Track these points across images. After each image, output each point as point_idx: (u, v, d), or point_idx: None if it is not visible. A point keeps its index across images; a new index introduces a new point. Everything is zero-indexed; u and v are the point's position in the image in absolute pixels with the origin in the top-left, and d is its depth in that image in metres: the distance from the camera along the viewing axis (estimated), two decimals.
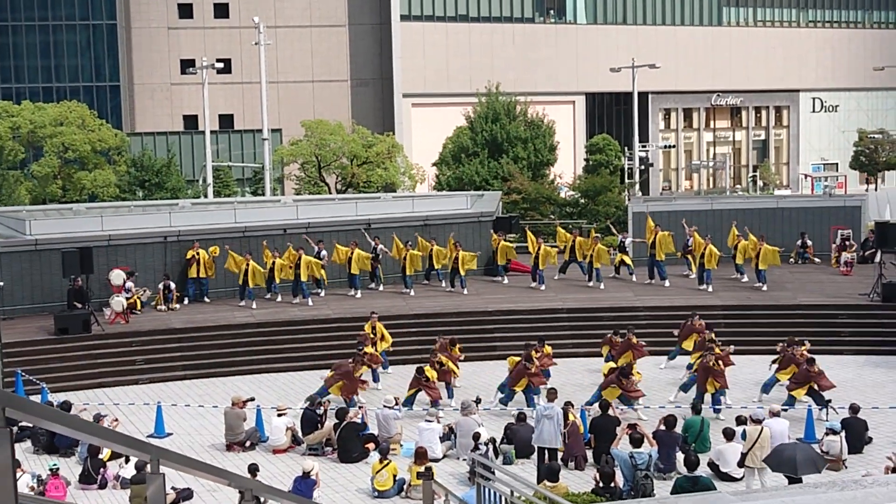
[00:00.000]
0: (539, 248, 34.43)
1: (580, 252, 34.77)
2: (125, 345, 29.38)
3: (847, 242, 37.43)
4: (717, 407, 23.57)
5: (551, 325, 30.68)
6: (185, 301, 33.01)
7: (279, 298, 33.01)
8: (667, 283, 34.13)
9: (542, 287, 34.25)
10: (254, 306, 32.16)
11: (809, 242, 37.99)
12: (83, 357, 28.71)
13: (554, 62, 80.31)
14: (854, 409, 21.35)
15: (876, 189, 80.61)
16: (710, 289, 33.12)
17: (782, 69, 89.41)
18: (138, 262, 32.92)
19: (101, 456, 20.35)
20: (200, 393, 26.96)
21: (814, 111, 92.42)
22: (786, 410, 22.24)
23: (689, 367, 25.47)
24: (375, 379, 26.73)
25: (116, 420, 23.31)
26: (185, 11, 73.12)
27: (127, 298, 30.72)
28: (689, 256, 35.48)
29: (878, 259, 33.48)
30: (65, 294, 30.32)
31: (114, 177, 54.34)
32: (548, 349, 25.92)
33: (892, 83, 74.29)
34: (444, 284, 34.86)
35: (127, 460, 20.11)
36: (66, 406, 22.58)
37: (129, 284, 31.27)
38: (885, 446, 20.74)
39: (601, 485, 17.18)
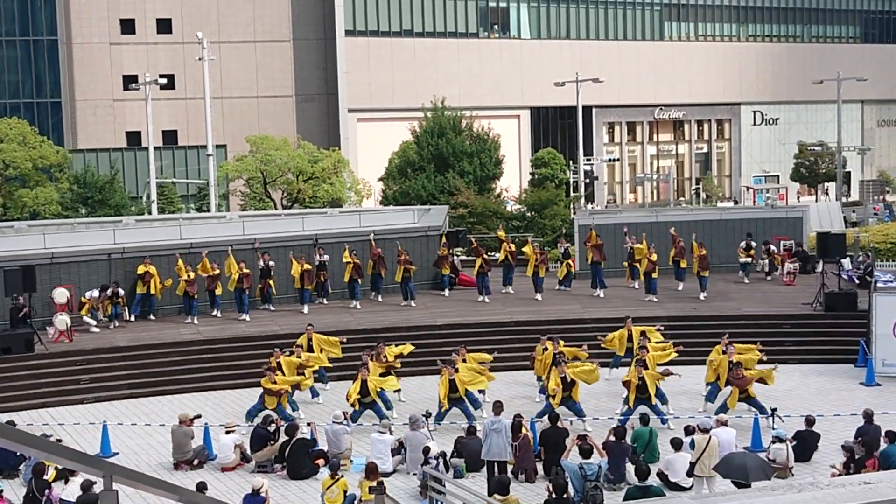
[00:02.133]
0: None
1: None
2: (69, 364, 28.95)
3: (770, 247, 38.20)
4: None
5: (499, 338, 30.72)
6: (132, 318, 32.68)
7: (217, 314, 32.92)
8: (601, 294, 34.82)
9: (487, 299, 34.55)
10: (195, 322, 32.06)
11: (774, 248, 37.96)
12: (26, 377, 28.27)
13: (498, 77, 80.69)
14: (809, 421, 21.51)
15: (816, 200, 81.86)
16: (655, 299, 33.54)
17: (723, 83, 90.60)
18: (82, 279, 32.51)
19: (45, 477, 20.01)
20: (146, 411, 26.64)
21: (755, 124, 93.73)
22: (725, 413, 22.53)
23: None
24: (314, 394, 26.57)
25: (60, 440, 22.96)
26: (128, 27, 72.52)
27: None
28: (633, 265, 35.91)
29: (819, 269, 34.00)
30: (7, 313, 29.84)
31: (56, 194, 53.70)
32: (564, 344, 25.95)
33: (830, 96, 75.42)
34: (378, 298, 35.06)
35: (66, 481, 19.80)
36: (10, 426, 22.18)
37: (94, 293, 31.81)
38: (830, 454, 21.00)
39: (554, 496, 17.20)
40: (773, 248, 37.85)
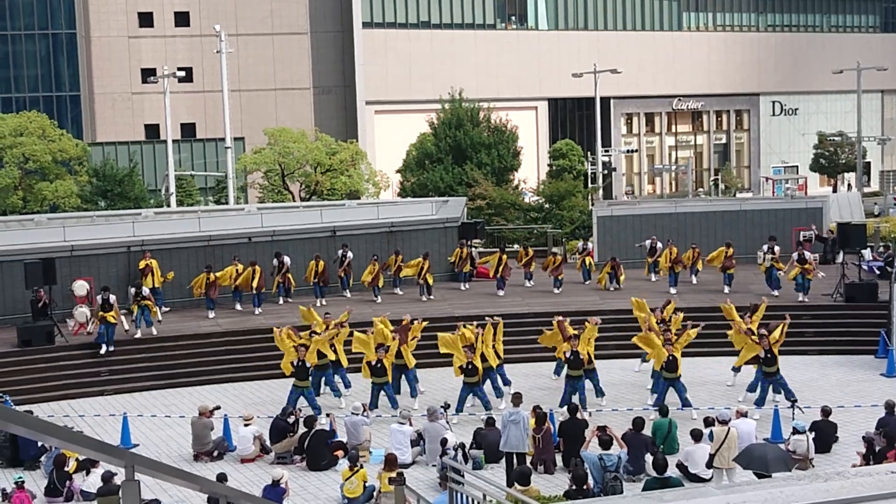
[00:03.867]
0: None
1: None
2: (89, 356, 29.08)
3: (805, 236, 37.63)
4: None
5: (518, 329, 30.67)
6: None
7: (239, 307, 33.08)
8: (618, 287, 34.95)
9: (501, 293, 34.62)
10: (211, 315, 32.18)
11: (809, 255, 32.65)
12: (47, 369, 28.43)
13: (516, 68, 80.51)
14: (825, 411, 21.47)
15: (835, 191, 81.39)
16: (674, 290, 33.53)
17: (742, 73, 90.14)
18: (101, 272, 32.62)
19: (66, 468, 20.13)
20: (166, 403, 26.75)
21: (774, 114, 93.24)
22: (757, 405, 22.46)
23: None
24: (346, 385, 26.60)
25: (81, 432, 23.06)
26: (146, 20, 72.67)
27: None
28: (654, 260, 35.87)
29: (840, 260, 33.84)
30: (28, 306, 29.98)
31: (75, 187, 53.89)
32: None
33: (849, 86, 75.01)
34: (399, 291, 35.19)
35: (88, 472, 19.90)
36: None
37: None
38: (851, 444, 20.92)
39: (574, 487, 17.18)
40: (807, 255, 32.42)
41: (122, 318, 29.52)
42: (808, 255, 32.32)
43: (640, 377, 26.95)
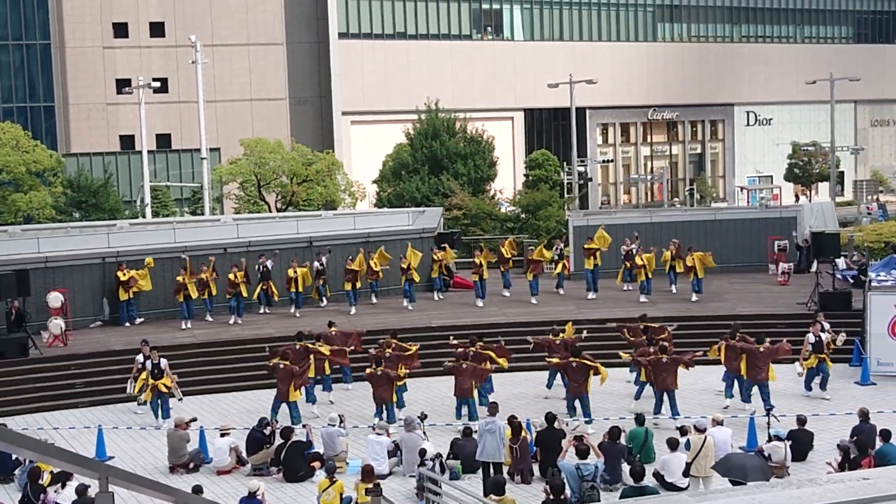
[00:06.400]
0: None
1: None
2: (64, 368, 28.90)
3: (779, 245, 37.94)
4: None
5: (495, 339, 30.63)
6: (127, 324, 32.64)
7: (209, 318, 33.00)
8: (594, 296, 34.95)
9: (481, 303, 34.58)
10: (187, 326, 32.03)
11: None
12: (21, 381, 28.20)
13: (492, 79, 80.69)
14: (801, 420, 21.56)
15: (810, 200, 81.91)
16: (644, 298, 33.78)
17: (717, 83, 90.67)
18: (76, 283, 32.46)
19: (40, 481, 19.97)
20: (142, 415, 26.58)
21: (748, 125, 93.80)
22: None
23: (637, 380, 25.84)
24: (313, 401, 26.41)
25: (54, 444, 22.87)
26: (121, 31, 72.39)
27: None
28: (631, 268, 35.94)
29: (814, 268, 34.05)
30: (1, 318, 29.77)
31: (49, 198, 53.60)
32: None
33: (824, 96, 75.51)
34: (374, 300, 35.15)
35: (63, 485, 19.75)
36: None
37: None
38: (826, 453, 21.01)
39: (551, 497, 17.18)
40: (824, 336, 26.33)
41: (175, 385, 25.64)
42: (825, 335, 26.24)
43: (623, 386, 27.00)
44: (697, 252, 34.50)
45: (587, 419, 23.60)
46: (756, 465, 17.94)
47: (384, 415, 24.25)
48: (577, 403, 23.95)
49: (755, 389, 24.55)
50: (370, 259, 34.64)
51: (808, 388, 25.91)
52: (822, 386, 25.92)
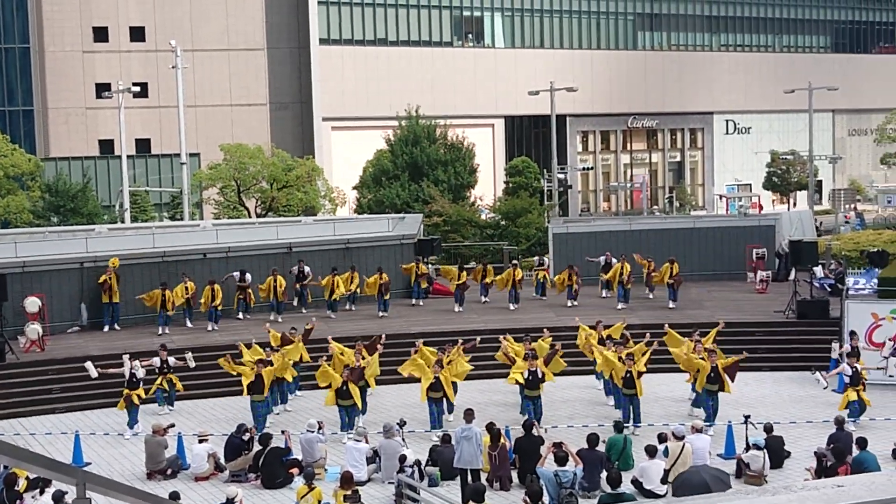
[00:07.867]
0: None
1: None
2: (41, 373, 28.74)
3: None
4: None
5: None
6: (105, 328, 32.53)
7: (189, 324, 32.93)
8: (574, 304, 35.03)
9: (460, 309, 34.66)
10: (165, 331, 31.97)
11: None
12: None
13: (473, 86, 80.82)
14: (767, 428, 21.57)
15: (789, 209, 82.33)
16: (620, 306, 33.93)
17: (696, 92, 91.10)
18: (53, 288, 32.30)
19: (16, 487, 19.84)
20: (119, 421, 26.44)
21: (727, 133, 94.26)
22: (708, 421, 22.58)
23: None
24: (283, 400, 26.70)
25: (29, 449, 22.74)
26: (101, 35, 72.13)
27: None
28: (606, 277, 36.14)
29: (792, 277, 34.23)
30: None
31: (27, 202, 53.32)
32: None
33: (802, 105, 75.94)
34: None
35: (42, 492, 19.62)
36: None
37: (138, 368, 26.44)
38: (803, 460, 21.12)
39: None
40: (859, 366, 25.00)
41: (189, 357, 27.34)
42: (859, 365, 24.98)
43: (594, 393, 27.08)
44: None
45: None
46: (714, 476, 18.22)
47: (347, 419, 24.29)
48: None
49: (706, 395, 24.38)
50: (336, 282, 34.36)
51: (857, 420, 23.91)
52: (857, 417, 24.16)
